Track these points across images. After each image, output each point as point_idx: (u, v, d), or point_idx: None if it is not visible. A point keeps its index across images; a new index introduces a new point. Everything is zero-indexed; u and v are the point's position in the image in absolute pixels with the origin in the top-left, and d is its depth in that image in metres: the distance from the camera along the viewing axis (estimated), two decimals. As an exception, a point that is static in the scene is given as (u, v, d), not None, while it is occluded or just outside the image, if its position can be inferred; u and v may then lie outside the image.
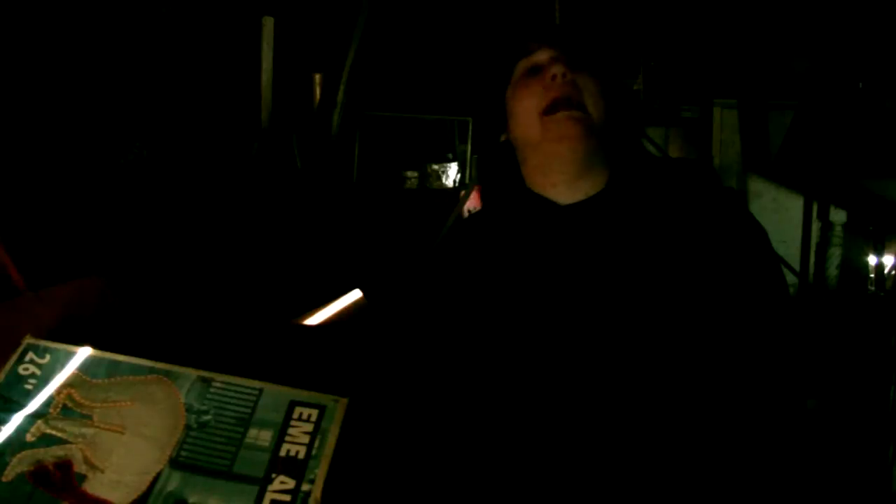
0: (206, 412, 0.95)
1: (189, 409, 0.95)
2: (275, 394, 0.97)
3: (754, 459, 0.87)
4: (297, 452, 0.91)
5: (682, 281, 0.87)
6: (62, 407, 0.95)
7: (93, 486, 0.88)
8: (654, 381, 0.86)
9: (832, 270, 3.28)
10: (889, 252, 2.99)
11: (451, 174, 4.22)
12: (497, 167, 1.03)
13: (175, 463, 0.91)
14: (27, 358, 1.00)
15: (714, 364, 0.86)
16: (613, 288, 0.88)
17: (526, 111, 0.94)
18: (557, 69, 0.91)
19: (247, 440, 0.93)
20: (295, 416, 0.94)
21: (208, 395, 0.97)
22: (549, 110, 0.91)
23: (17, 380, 0.98)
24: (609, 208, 0.93)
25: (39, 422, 0.94)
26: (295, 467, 0.90)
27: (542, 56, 0.95)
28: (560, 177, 0.94)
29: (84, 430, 0.93)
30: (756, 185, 3.72)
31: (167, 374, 0.99)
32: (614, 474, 0.86)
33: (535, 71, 0.95)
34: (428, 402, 0.96)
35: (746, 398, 0.88)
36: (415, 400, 0.96)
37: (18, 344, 1.01)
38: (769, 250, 0.95)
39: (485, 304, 0.93)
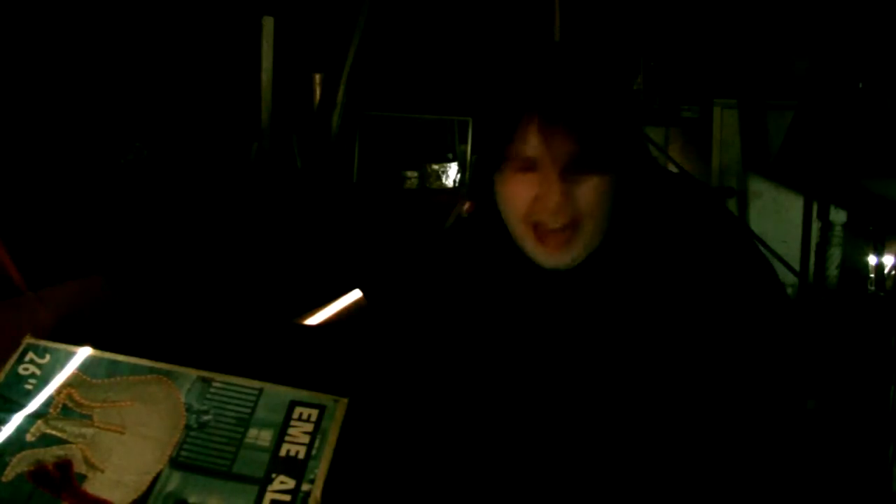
0: (206, 412, 0.95)
1: (189, 409, 0.95)
2: (275, 394, 0.97)
3: (754, 463, 0.87)
4: (297, 452, 0.91)
5: (667, 330, 0.85)
6: (62, 407, 0.95)
7: (93, 486, 0.88)
8: (641, 416, 0.86)
9: (832, 270, 3.27)
10: (889, 252, 2.99)
11: (451, 174, 4.22)
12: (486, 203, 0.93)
13: (175, 463, 0.91)
14: (27, 358, 1.00)
15: (706, 399, 0.86)
16: (595, 345, 0.87)
17: (512, 212, 0.85)
18: (550, 188, 0.79)
19: (247, 440, 0.93)
20: (295, 416, 0.94)
21: (208, 395, 0.97)
22: (538, 231, 0.83)
23: (17, 380, 0.98)
24: (597, 273, 0.87)
25: (39, 422, 0.94)
26: (295, 467, 0.90)
27: (532, 149, 0.80)
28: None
29: (84, 430, 0.93)
30: (756, 185, 3.72)
31: (167, 374, 0.99)
32: (609, 477, 0.86)
33: (526, 164, 0.81)
34: (427, 402, 0.96)
35: (744, 421, 0.87)
36: (414, 400, 0.96)
37: (18, 344, 1.01)
38: (773, 288, 0.90)
39: (477, 321, 0.93)
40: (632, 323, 0.86)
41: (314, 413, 0.94)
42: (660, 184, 0.93)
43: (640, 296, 0.87)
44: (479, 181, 0.91)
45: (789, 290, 3.23)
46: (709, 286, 0.86)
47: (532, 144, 0.80)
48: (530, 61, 0.84)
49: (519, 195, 0.83)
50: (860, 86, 2.83)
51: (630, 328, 0.86)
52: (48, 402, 0.96)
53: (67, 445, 0.92)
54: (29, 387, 0.97)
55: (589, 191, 0.81)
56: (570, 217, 0.81)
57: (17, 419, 0.94)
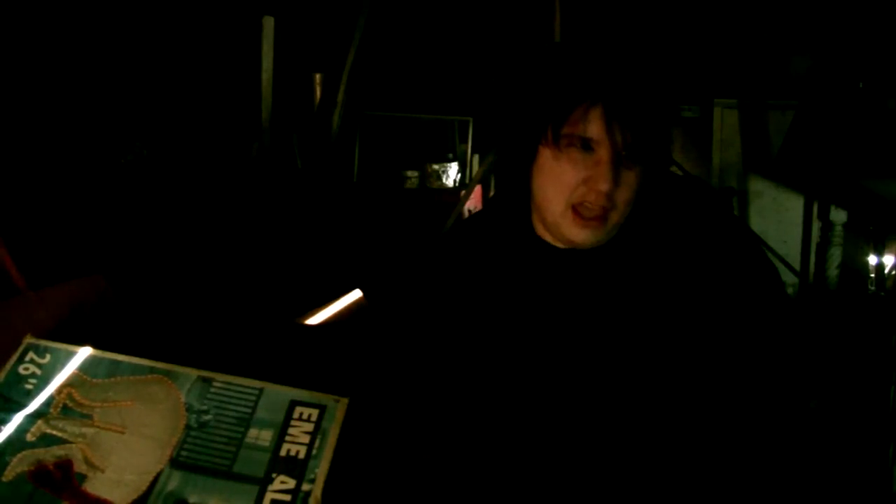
0: (206, 412, 0.95)
1: (189, 409, 0.95)
2: (275, 393, 0.97)
3: (757, 461, 0.87)
4: (298, 452, 0.91)
5: (672, 325, 0.86)
6: (62, 407, 0.95)
7: (93, 486, 0.88)
8: (646, 409, 0.86)
9: (832, 270, 3.28)
10: (889, 252, 2.99)
11: (451, 174, 4.21)
12: (510, 186, 0.97)
13: (175, 463, 0.91)
14: (27, 358, 1.00)
15: (711, 390, 0.86)
16: (600, 328, 0.88)
17: (557, 189, 0.86)
18: (605, 173, 0.82)
19: (247, 440, 0.93)
20: (295, 415, 0.94)
21: (209, 395, 0.97)
22: (579, 208, 0.86)
23: (17, 379, 0.98)
24: (607, 257, 0.90)
25: (40, 421, 0.94)
26: (295, 467, 0.90)
27: (594, 133, 0.83)
28: (564, 242, 0.92)
29: (84, 429, 0.93)
30: (756, 185, 3.72)
31: (168, 373, 0.99)
32: (616, 471, 0.86)
33: (583, 145, 0.84)
34: (427, 402, 0.96)
35: (748, 418, 0.88)
36: (414, 400, 0.96)
37: (18, 344, 1.01)
38: (776, 287, 0.92)
39: (477, 319, 0.94)
40: (640, 312, 0.87)
41: (314, 413, 0.94)
42: (667, 183, 0.95)
43: (648, 287, 0.88)
44: (509, 158, 0.93)
45: (789, 290, 3.23)
46: (714, 282, 0.87)
47: (595, 129, 0.83)
48: (599, 50, 0.87)
49: (569, 173, 0.85)
50: (860, 86, 2.83)
51: (638, 318, 0.87)
52: (48, 402, 0.96)
53: (68, 445, 0.92)
54: (29, 386, 0.97)
55: (630, 180, 0.85)
56: (612, 202, 0.84)
57: (17, 419, 0.94)
